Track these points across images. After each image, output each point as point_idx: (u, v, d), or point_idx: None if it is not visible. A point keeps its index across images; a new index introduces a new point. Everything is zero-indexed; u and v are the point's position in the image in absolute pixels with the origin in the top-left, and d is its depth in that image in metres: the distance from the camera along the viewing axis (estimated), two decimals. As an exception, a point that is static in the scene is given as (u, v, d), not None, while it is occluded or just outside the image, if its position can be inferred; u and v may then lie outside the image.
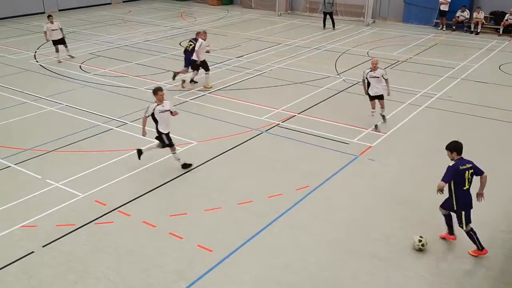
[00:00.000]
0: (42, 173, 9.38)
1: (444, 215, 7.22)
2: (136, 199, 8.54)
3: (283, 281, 6.58)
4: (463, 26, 23.12)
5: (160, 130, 9.25)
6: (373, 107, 11.42)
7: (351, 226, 7.82)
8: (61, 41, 17.37)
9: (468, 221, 6.86)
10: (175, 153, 9.47)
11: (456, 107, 13.02)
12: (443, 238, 7.39)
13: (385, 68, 16.60)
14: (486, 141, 10.95)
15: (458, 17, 23.02)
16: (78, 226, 7.73)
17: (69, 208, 8.24)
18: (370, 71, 11.17)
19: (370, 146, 10.64)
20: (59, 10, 27.93)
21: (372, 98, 11.36)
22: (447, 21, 23.27)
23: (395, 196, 8.74)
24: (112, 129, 11.56)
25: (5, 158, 10.00)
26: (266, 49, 19.58)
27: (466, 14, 22.86)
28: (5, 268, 6.78)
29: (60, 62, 17.26)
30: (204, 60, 14.15)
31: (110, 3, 30.92)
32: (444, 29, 23.39)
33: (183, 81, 14.63)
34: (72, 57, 17.71)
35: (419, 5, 24.43)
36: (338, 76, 15.88)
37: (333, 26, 23.32)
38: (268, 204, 8.41)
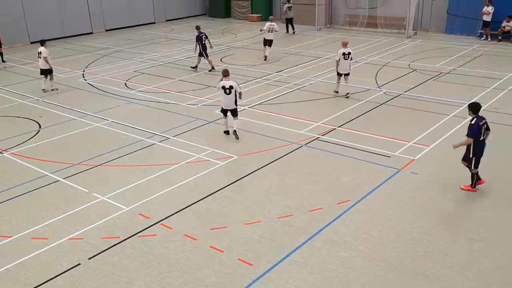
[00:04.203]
0: (89, 187, 9.73)
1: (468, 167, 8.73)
2: (178, 213, 8.70)
3: (324, 296, 6.50)
4: (509, 36, 22.40)
5: None
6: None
7: (394, 242, 7.64)
8: (47, 72, 16.33)
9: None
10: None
11: (502, 119, 12.56)
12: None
13: (428, 80, 16.35)
14: (537, 154, 10.50)
15: (504, 27, 22.34)
16: (123, 239, 7.94)
17: (114, 221, 8.49)
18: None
19: (413, 159, 10.42)
20: (106, 30, 29.13)
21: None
22: (492, 31, 22.63)
23: (440, 211, 8.48)
24: (155, 144, 11.87)
25: (54, 173, 10.44)
26: (305, 63, 19.63)
27: (512, 23, 22.17)
28: (53, 280, 7.03)
29: (45, 91, 16.35)
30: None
31: (154, 22, 31.95)
32: (488, 39, 22.74)
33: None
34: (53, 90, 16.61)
35: (463, 15, 23.87)
36: (378, 89, 15.69)
37: (293, 29, 26.39)
38: (309, 218, 8.36)
